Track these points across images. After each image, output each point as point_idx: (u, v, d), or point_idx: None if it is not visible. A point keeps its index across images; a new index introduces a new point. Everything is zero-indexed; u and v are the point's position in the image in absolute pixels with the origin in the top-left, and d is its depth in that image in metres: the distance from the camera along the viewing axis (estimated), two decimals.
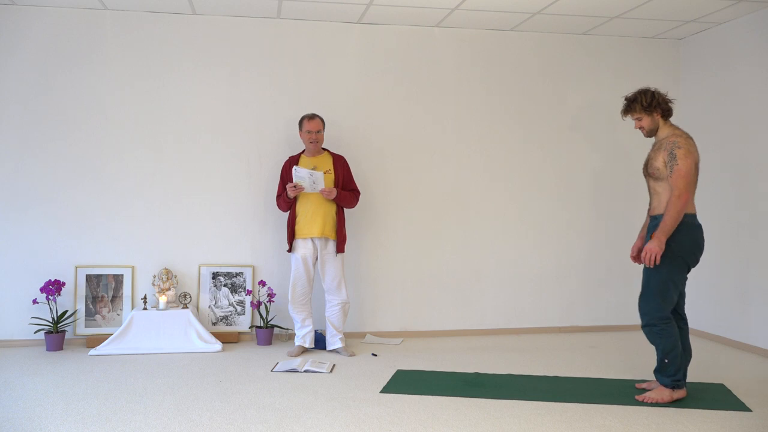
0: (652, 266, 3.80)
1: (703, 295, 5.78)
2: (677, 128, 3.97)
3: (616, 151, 6.06)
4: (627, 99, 4.04)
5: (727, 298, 5.50)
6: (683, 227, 3.80)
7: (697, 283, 5.86)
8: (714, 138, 5.68)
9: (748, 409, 3.73)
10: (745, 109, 5.33)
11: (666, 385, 3.88)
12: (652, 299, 3.86)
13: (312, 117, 4.98)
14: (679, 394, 3.87)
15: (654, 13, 5.28)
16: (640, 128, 4.03)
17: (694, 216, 3.86)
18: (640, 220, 6.02)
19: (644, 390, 4.05)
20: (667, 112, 3.96)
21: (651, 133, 4.00)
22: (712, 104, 5.69)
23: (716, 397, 3.93)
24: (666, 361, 3.86)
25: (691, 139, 3.92)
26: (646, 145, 6.05)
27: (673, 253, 3.80)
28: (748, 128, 5.31)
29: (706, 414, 3.66)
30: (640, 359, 4.84)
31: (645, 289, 3.92)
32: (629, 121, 5.95)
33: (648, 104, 3.94)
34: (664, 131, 3.97)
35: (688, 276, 3.96)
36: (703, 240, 3.91)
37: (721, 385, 4.17)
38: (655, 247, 3.77)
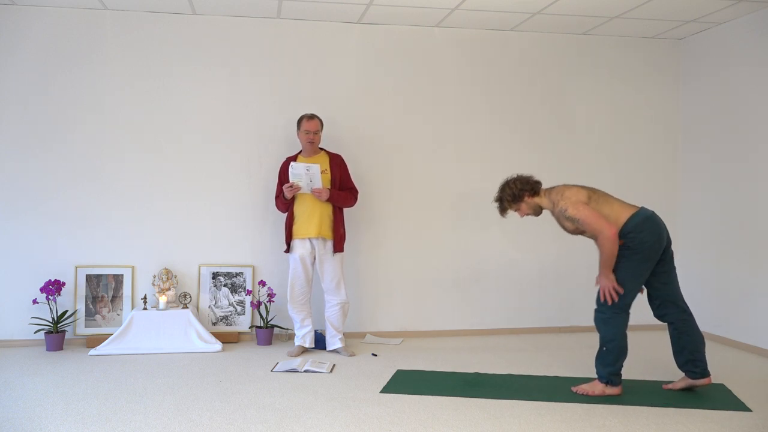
0: (614, 301, 3.87)
1: (704, 295, 5.79)
2: (550, 194, 3.99)
3: (617, 150, 6.06)
4: (495, 201, 4.08)
5: (727, 298, 5.50)
6: (633, 230, 3.84)
7: (698, 283, 5.87)
8: (714, 138, 5.68)
9: (748, 409, 3.73)
10: (745, 109, 5.33)
11: (601, 377, 3.95)
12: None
13: (311, 117, 4.99)
14: (613, 390, 3.93)
15: (654, 13, 5.28)
16: (524, 215, 4.11)
17: (631, 218, 3.87)
18: None
19: (671, 391, 4.04)
20: (533, 190, 4.00)
21: (537, 212, 4.07)
22: (712, 104, 5.70)
23: (716, 397, 3.93)
24: (604, 348, 3.94)
25: (565, 189, 3.95)
26: (646, 144, 6.07)
27: (633, 250, 3.85)
28: (748, 128, 5.31)
29: (706, 414, 3.66)
30: (639, 359, 4.84)
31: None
32: (632, 120, 6.01)
33: (513, 197, 4.01)
34: (545, 203, 4.02)
35: (663, 261, 3.96)
36: (657, 227, 3.90)
37: (721, 385, 4.17)
38: (605, 282, 3.88)
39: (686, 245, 6.01)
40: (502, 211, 4.09)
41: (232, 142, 5.50)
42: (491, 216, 5.83)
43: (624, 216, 3.88)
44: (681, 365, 4.03)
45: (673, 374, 4.39)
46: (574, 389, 4.02)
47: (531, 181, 4.03)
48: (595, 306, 4.03)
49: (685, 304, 4.06)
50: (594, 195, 3.93)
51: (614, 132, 6.04)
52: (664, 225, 3.98)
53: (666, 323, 4.09)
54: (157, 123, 5.41)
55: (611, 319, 3.91)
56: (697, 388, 4.05)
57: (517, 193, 3.99)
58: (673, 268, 4.04)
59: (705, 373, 3.98)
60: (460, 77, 5.81)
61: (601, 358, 3.98)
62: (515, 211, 4.10)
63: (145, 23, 5.37)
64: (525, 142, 5.91)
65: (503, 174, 5.79)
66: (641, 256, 3.85)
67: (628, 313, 3.94)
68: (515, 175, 4.08)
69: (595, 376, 4.06)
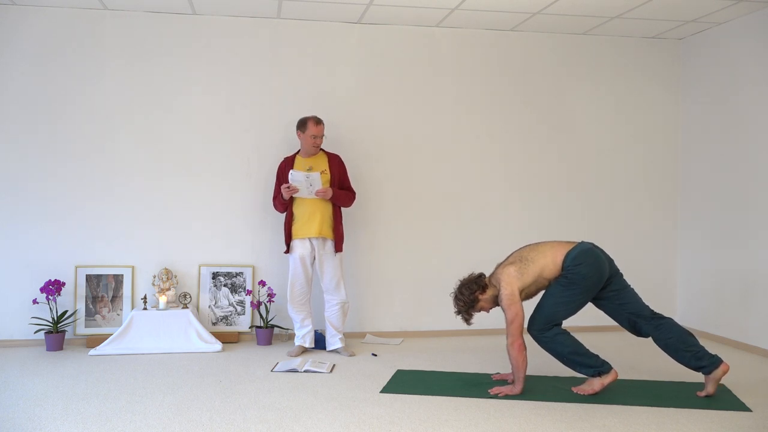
0: (547, 324, 3.93)
1: (703, 295, 5.79)
2: (492, 281, 4.01)
3: (617, 152, 6.06)
4: (457, 314, 4.07)
5: (727, 298, 5.50)
6: (571, 263, 3.89)
7: (697, 283, 5.87)
8: (714, 138, 5.68)
9: (748, 409, 3.73)
10: (745, 108, 5.33)
11: (592, 375, 3.95)
12: (539, 315, 3.96)
13: (319, 122, 4.95)
14: (609, 378, 3.92)
15: (654, 13, 5.28)
16: (489, 310, 4.12)
17: (568, 254, 3.91)
18: (641, 221, 6.06)
19: (704, 397, 3.95)
20: (481, 287, 4.00)
21: (495, 303, 4.05)
22: (712, 104, 5.70)
23: (716, 397, 3.93)
24: (566, 359, 3.95)
25: (502, 273, 3.97)
26: (646, 144, 6.07)
27: (571, 281, 3.90)
28: (748, 128, 5.31)
29: (706, 414, 3.66)
30: (640, 359, 4.84)
31: (538, 306, 4.01)
32: (632, 120, 6.01)
33: (468, 305, 4.01)
34: (496, 291, 4.03)
35: (609, 288, 4.00)
36: (595, 258, 3.93)
37: (721, 385, 4.16)
38: (515, 391, 3.93)
39: (685, 245, 6.02)
40: (467, 321, 4.08)
41: (232, 142, 5.50)
42: (491, 215, 5.87)
43: (560, 256, 3.94)
44: (691, 367, 3.97)
45: (672, 373, 4.39)
46: (575, 390, 4.02)
47: (473, 279, 4.04)
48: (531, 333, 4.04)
49: (653, 311, 4.05)
50: (523, 264, 3.96)
51: (614, 132, 6.04)
52: (606, 257, 4.02)
53: (650, 338, 4.07)
54: (157, 123, 5.41)
55: (551, 338, 3.94)
56: (720, 380, 3.95)
57: (469, 299, 3.99)
58: (625, 287, 4.05)
59: (716, 361, 3.90)
60: (459, 77, 5.81)
61: (574, 365, 3.98)
62: (480, 312, 4.10)
63: (145, 23, 5.37)
64: (525, 142, 5.91)
65: (503, 174, 5.87)
66: (579, 289, 3.90)
67: (560, 324, 3.99)
68: (458, 283, 4.07)
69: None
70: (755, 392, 4.07)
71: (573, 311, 3.98)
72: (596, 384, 3.93)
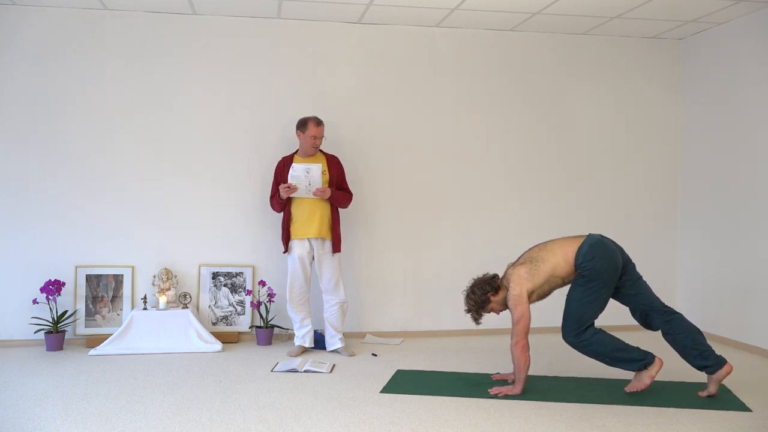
0: (579, 328, 3.91)
1: (703, 294, 5.79)
2: (509, 285, 3.98)
3: (617, 152, 6.06)
4: (467, 312, 4.06)
5: (727, 298, 5.50)
6: (584, 260, 3.87)
7: (697, 283, 5.87)
8: (714, 138, 5.68)
9: (748, 409, 3.73)
10: (745, 108, 5.33)
11: (638, 369, 3.93)
12: (569, 320, 3.96)
13: (320, 123, 4.96)
14: (656, 366, 3.90)
15: (654, 13, 5.28)
16: (500, 312, 4.11)
17: (578, 250, 3.89)
18: (641, 221, 6.06)
19: (705, 397, 3.94)
20: (494, 288, 3.99)
21: (506, 305, 4.03)
22: (712, 104, 5.70)
23: (716, 397, 3.93)
24: (608, 359, 3.93)
25: (513, 275, 3.97)
26: (646, 144, 6.07)
27: (588, 279, 3.89)
28: (748, 128, 5.31)
29: (706, 414, 3.66)
30: None
31: (565, 312, 4.00)
32: (632, 120, 6.01)
33: (479, 304, 4.00)
34: (506, 293, 4.03)
35: (623, 277, 3.98)
36: (607, 250, 3.92)
37: (721, 385, 4.16)
38: (514, 392, 3.92)
39: (686, 245, 6.02)
40: (476, 320, 4.07)
41: (232, 142, 5.50)
42: (491, 216, 5.87)
43: (571, 253, 3.93)
44: (696, 366, 3.96)
45: (672, 373, 4.39)
46: (627, 389, 3.96)
47: (487, 279, 4.02)
48: (566, 340, 4.02)
49: (665, 305, 4.05)
50: (533, 265, 3.95)
51: (614, 132, 6.04)
52: (617, 246, 4.01)
53: (659, 332, 4.07)
54: (156, 123, 5.41)
55: (589, 340, 3.92)
56: (722, 381, 3.95)
57: (480, 299, 3.98)
58: (638, 278, 4.06)
59: (720, 362, 3.90)
60: (459, 77, 5.81)
61: (619, 363, 3.95)
62: (490, 312, 4.09)
63: (145, 23, 5.37)
64: (525, 142, 5.91)
65: (503, 174, 5.86)
66: (598, 284, 3.89)
67: (593, 325, 3.97)
68: (471, 282, 4.06)
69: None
70: (755, 392, 4.07)
71: (600, 308, 3.95)
72: (646, 378, 3.90)
